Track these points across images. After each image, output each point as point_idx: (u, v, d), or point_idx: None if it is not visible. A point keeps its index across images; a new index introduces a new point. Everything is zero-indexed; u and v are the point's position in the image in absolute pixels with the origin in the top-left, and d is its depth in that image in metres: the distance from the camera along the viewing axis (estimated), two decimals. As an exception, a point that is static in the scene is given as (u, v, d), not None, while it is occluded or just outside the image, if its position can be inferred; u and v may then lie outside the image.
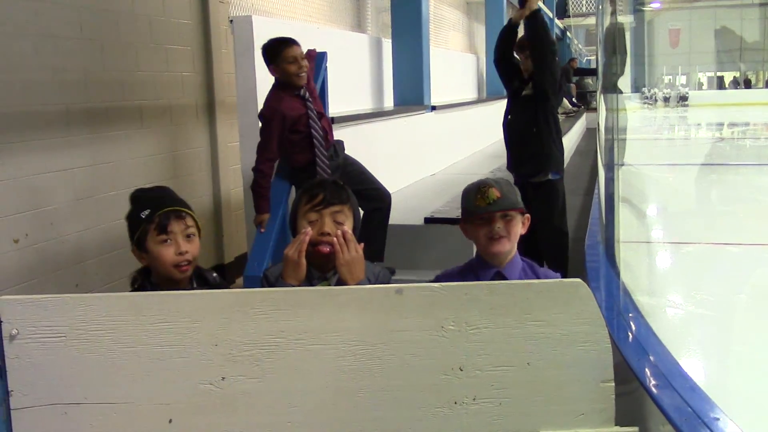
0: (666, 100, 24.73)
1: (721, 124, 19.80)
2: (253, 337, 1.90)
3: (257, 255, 3.68)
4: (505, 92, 10.74)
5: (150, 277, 2.10)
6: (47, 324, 1.90)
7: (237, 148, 5.82)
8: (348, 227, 2.11)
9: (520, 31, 4.87)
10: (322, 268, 2.13)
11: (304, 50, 4.15)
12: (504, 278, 2.23)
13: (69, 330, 1.90)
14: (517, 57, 4.74)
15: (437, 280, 2.31)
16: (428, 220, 4.38)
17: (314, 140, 4.10)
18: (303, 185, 2.61)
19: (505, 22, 10.65)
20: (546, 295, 1.90)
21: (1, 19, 4.21)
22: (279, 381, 1.90)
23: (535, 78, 4.56)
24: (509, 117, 4.85)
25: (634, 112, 20.80)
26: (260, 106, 4.23)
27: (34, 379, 1.91)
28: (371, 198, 4.17)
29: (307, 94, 4.14)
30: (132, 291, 2.11)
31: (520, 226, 2.26)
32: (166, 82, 5.73)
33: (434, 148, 6.79)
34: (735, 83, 29.10)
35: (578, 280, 1.92)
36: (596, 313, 1.89)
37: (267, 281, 2.14)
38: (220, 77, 6.31)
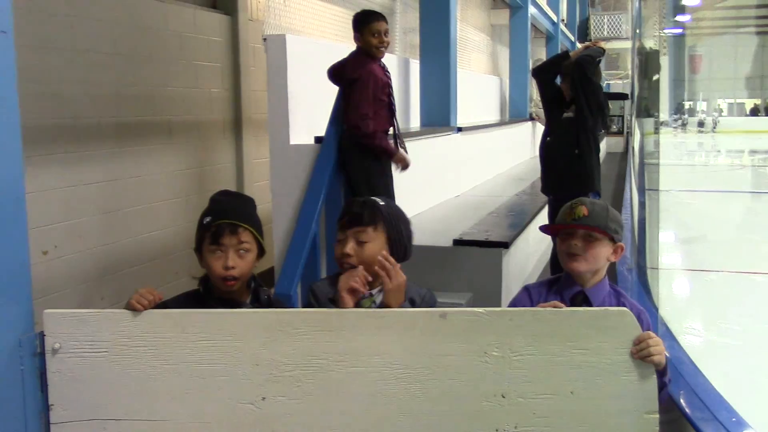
0: (684, 125, 24.68)
1: (742, 151, 19.70)
2: (295, 358, 1.89)
3: (288, 273, 3.66)
4: (527, 115, 10.84)
5: (209, 283, 2.07)
6: (90, 339, 1.90)
7: (263, 165, 5.83)
8: (374, 247, 2.07)
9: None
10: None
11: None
12: (587, 299, 2.14)
13: (112, 345, 1.90)
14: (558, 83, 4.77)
15: (526, 289, 2.26)
16: (457, 242, 4.37)
17: (392, 108, 4.13)
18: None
19: (529, 46, 10.79)
20: (591, 323, 1.87)
21: (35, 34, 4.26)
22: (319, 402, 1.89)
23: (577, 102, 4.59)
24: (548, 139, 4.83)
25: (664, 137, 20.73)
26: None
27: (74, 394, 1.91)
28: None
29: (386, 67, 4.18)
30: (194, 293, 2.10)
31: (604, 252, 2.14)
32: (195, 98, 5.78)
33: (459, 170, 6.77)
34: (755, 110, 28.97)
35: (624, 308, 1.90)
36: (642, 343, 1.86)
37: (314, 296, 2.10)
38: (248, 94, 6.36)
